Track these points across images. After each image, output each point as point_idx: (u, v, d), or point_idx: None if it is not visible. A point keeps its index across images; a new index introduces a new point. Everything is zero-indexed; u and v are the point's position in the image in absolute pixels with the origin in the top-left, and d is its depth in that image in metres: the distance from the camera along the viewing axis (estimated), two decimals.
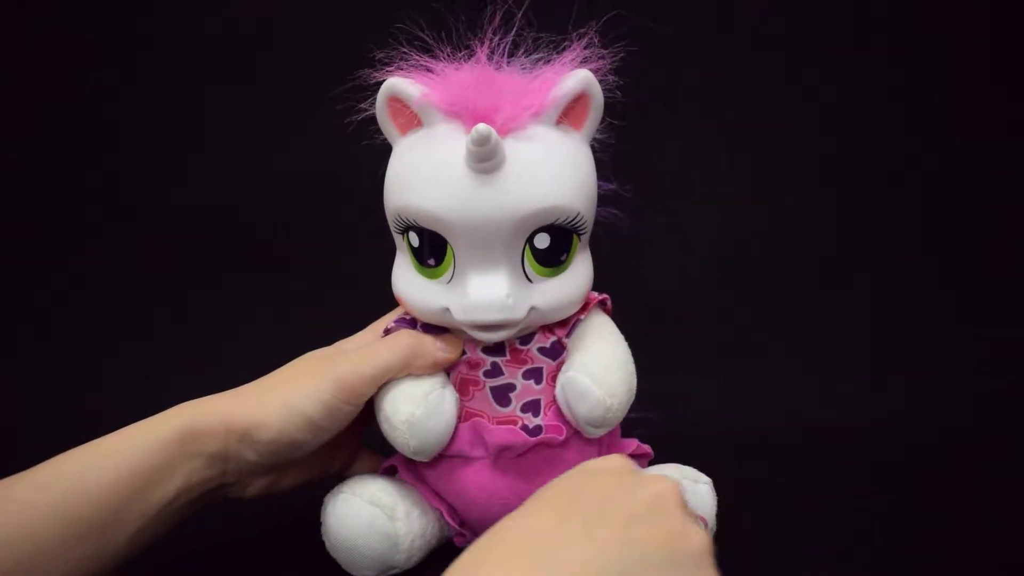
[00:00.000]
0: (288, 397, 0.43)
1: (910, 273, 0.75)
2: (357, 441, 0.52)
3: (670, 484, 0.34)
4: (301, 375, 0.44)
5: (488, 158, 0.40)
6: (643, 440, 0.51)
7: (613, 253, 0.51)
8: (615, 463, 0.36)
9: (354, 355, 0.45)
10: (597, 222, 0.49)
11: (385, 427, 0.45)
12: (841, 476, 0.58)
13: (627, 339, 0.47)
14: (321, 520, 0.46)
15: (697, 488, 0.44)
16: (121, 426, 0.42)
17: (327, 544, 0.45)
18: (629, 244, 0.60)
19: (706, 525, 0.44)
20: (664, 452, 0.50)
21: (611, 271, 0.51)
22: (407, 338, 0.45)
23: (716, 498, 0.45)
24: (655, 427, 0.51)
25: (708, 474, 0.46)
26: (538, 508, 0.33)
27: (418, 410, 0.44)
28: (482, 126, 0.39)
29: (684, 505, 0.34)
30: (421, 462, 0.47)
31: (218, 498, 0.44)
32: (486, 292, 0.42)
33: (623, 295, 0.52)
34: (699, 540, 0.32)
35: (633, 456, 0.51)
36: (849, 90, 0.75)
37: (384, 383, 0.45)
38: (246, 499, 0.46)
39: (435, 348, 0.45)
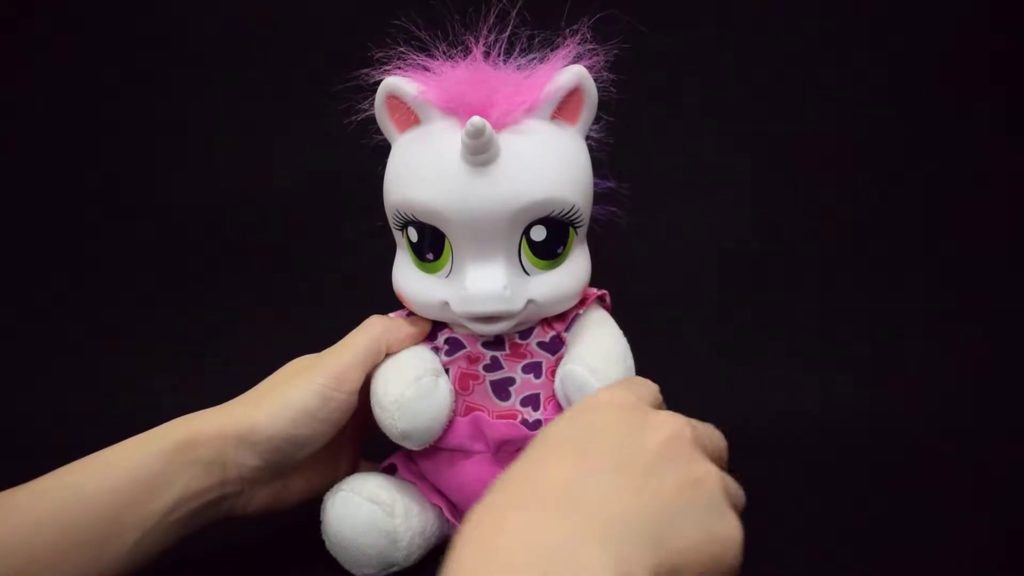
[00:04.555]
0: (281, 393, 0.44)
1: (910, 273, 0.75)
2: (357, 452, 0.52)
3: (679, 424, 0.34)
4: (290, 376, 0.46)
5: (482, 151, 0.41)
6: None
7: (613, 252, 0.51)
8: (619, 396, 0.37)
9: (335, 347, 0.46)
10: (597, 221, 0.49)
11: (376, 410, 0.45)
12: (841, 476, 0.58)
13: (627, 338, 0.47)
14: (321, 519, 0.46)
15: None
16: (120, 427, 0.43)
17: (327, 543, 0.45)
18: (630, 243, 0.60)
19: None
20: None
21: (611, 270, 0.51)
22: (377, 319, 0.47)
23: None
24: None
25: None
26: (553, 453, 0.33)
27: (408, 391, 0.44)
28: (476, 119, 0.39)
29: (694, 442, 0.34)
30: (421, 458, 0.47)
31: (220, 514, 0.44)
32: (483, 284, 0.43)
33: (623, 294, 0.52)
34: (712, 482, 0.32)
35: None
36: (849, 90, 0.75)
37: (372, 368, 0.46)
38: (249, 516, 0.46)
39: (406, 323, 0.47)
